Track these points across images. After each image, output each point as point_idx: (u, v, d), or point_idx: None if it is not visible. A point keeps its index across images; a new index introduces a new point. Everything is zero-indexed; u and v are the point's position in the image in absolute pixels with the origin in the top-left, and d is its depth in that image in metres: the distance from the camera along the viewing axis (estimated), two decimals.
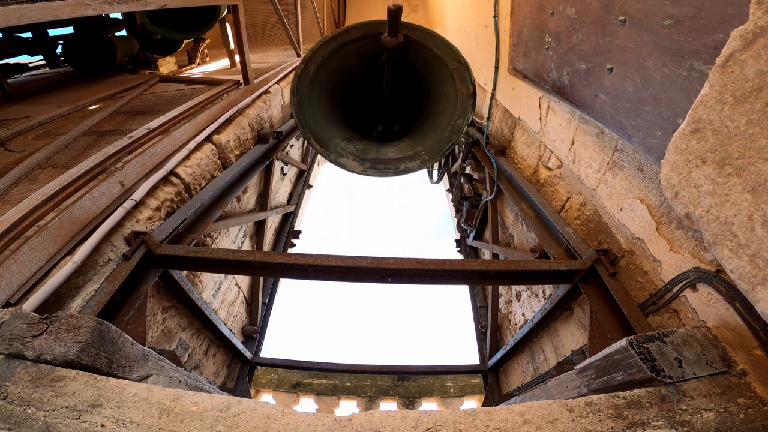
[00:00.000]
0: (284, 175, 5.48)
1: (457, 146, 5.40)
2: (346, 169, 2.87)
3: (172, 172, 2.60)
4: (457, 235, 6.30)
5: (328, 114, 3.00)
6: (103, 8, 2.22)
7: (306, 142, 2.86)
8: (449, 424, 1.14)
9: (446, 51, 2.65)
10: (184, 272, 2.61)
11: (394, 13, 2.32)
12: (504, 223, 4.00)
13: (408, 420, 1.15)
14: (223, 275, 3.53)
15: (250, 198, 4.09)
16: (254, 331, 4.28)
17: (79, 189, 2.07)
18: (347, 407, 4.73)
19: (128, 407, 1.15)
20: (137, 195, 2.26)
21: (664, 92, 1.47)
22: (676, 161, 1.24)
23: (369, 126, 3.47)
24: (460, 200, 4.95)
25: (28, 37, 5.51)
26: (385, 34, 2.55)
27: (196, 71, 5.98)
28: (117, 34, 6.29)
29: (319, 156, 7.79)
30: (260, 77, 4.45)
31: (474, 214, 4.70)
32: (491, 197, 3.87)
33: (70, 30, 6.19)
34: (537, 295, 3.20)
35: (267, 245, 4.71)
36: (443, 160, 5.77)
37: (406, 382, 4.81)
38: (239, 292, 4.04)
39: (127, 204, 2.17)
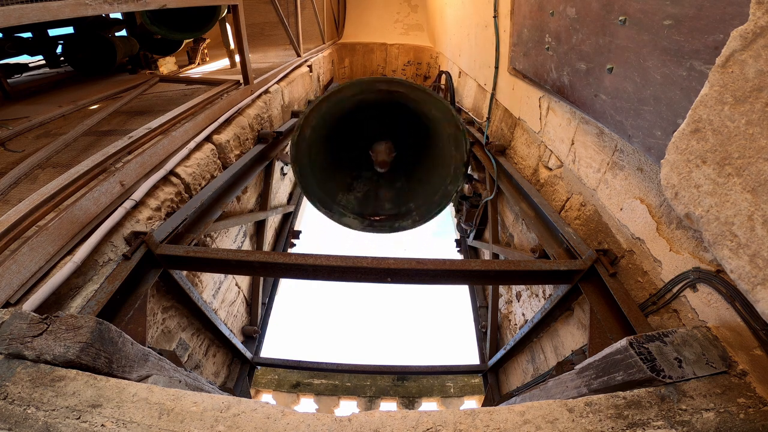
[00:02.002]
0: (284, 175, 5.48)
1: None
2: (350, 228, 3.16)
3: (172, 172, 2.60)
4: (457, 235, 6.30)
5: (328, 168, 3.17)
6: (103, 8, 2.22)
7: (312, 205, 3.05)
8: (449, 424, 1.14)
9: (445, 116, 2.68)
10: (184, 272, 2.61)
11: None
12: (504, 223, 4.00)
13: (408, 420, 1.15)
14: (223, 275, 3.53)
15: (250, 198, 4.09)
16: (254, 331, 4.28)
17: (79, 189, 2.06)
18: (347, 407, 4.74)
19: (128, 407, 1.15)
20: (137, 195, 2.25)
21: (664, 92, 1.47)
22: (676, 161, 1.24)
23: (368, 158, 3.57)
24: (460, 200, 4.96)
25: (28, 37, 5.51)
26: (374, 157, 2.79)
27: (196, 71, 5.98)
28: (117, 34, 6.29)
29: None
30: (260, 77, 4.45)
31: (474, 214, 4.70)
32: (491, 197, 3.87)
33: (70, 30, 6.19)
34: (537, 295, 3.20)
35: (267, 245, 4.71)
36: None
37: (406, 382, 4.81)
38: (239, 292, 4.04)
39: (127, 204, 2.17)
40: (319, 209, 3.04)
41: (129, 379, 1.36)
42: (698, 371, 1.21)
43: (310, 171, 2.93)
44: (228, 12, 5.48)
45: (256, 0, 7.31)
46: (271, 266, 2.14)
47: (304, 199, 6.57)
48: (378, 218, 3.09)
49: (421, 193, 3.13)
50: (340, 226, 3.16)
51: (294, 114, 5.11)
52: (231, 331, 3.48)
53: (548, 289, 2.92)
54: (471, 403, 4.65)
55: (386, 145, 3.00)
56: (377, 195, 3.28)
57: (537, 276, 2.20)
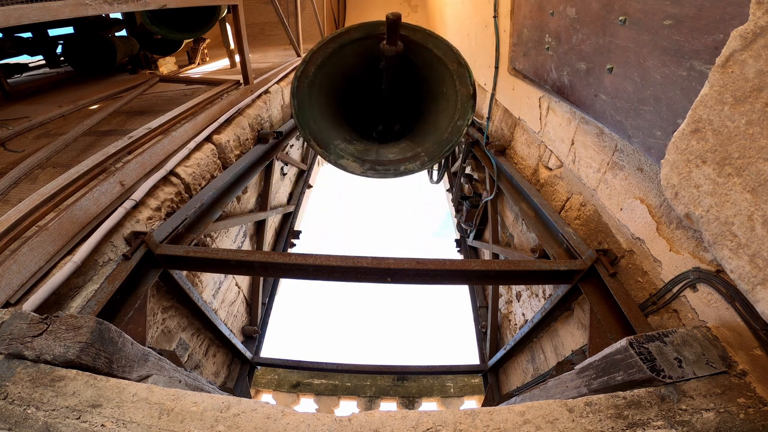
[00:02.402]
0: (284, 175, 5.49)
1: (457, 146, 5.40)
2: (346, 171, 2.86)
3: (172, 172, 2.60)
4: (457, 235, 6.31)
5: (328, 115, 3.02)
6: (103, 8, 2.22)
7: (306, 143, 2.84)
8: (449, 424, 1.14)
9: (446, 52, 2.64)
10: (184, 272, 2.61)
11: (393, 22, 2.31)
12: (504, 223, 4.00)
13: (408, 420, 1.15)
14: (223, 275, 3.53)
15: (250, 198, 4.09)
16: (254, 331, 4.28)
17: (79, 189, 2.06)
18: (347, 407, 4.74)
19: (128, 407, 1.15)
20: (137, 195, 2.26)
21: (664, 92, 1.47)
22: (676, 161, 1.24)
23: (369, 126, 3.48)
24: (460, 200, 4.96)
25: (28, 37, 5.51)
26: (384, 43, 2.54)
27: (196, 71, 5.98)
28: (117, 34, 6.29)
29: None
30: (260, 77, 4.46)
31: (474, 214, 4.70)
32: (491, 197, 3.87)
33: (70, 30, 6.19)
34: (537, 295, 3.20)
35: (267, 245, 4.71)
36: (443, 160, 5.77)
37: (406, 382, 4.81)
38: (239, 292, 4.04)
39: (127, 204, 2.17)
40: (313, 147, 2.83)
41: (129, 379, 1.36)
42: (698, 371, 1.21)
43: (309, 109, 2.79)
44: (228, 12, 5.48)
45: (256, 0, 7.31)
46: (271, 266, 2.14)
47: (304, 199, 6.58)
48: (381, 162, 2.87)
49: (429, 136, 2.97)
50: (337, 168, 2.91)
51: None
52: (231, 331, 3.48)
53: (548, 289, 2.92)
54: (471, 403, 4.65)
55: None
56: (379, 151, 3.08)
57: (537, 276, 2.20)
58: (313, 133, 2.82)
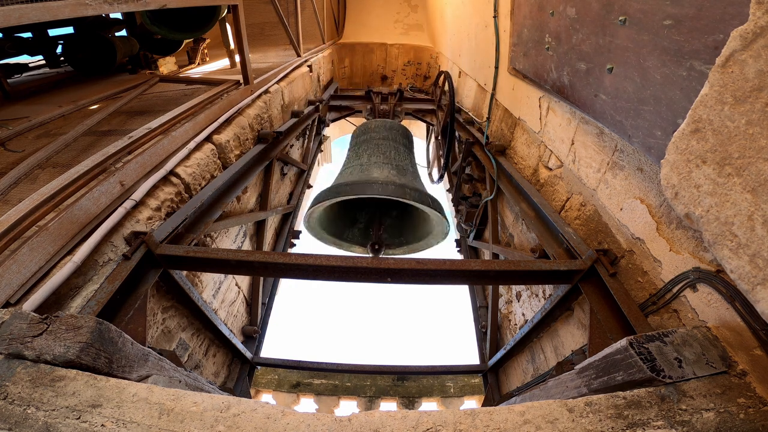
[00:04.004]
0: (284, 175, 5.48)
1: (457, 146, 5.42)
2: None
3: (172, 172, 2.60)
4: (457, 235, 6.30)
5: (336, 225, 3.92)
6: (103, 8, 2.22)
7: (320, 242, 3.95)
8: (449, 424, 1.14)
9: (432, 215, 3.25)
10: (184, 272, 2.61)
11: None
12: (504, 223, 4.00)
13: (408, 420, 1.15)
14: (223, 275, 3.52)
15: (250, 198, 4.09)
16: (254, 331, 4.28)
17: (79, 189, 2.06)
18: (347, 407, 4.74)
19: (128, 407, 1.15)
20: (137, 195, 2.25)
21: (664, 92, 1.47)
22: (676, 161, 1.24)
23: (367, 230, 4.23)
24: (460, 200, 4.95)
25: (28, 37, 5.50)
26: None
27: (196, 71, 5.98)
28: (117, 34, 6.29)
29: (319, 156, 7.90)
30: (260, 77, 4.45)
31: (474, 214, 4.70)
32: (491, 197, 3.87)
33: (70, 30, 6.19)
34: (537, 295, 3.20)
35: (267, 245, 4.70)
36: (443, 161, 5.77)
37: (406, 382, 4.81)
38: (239, 292, 4.03)
39: (127, 204, 2.17)
40: (331, 244, 3.82)
41: (129, 379, 1.36)
42: (698, 371, 1.21)
43: (323, 232, 3.70)
44: (228, 12, 5.48)
45: (256, 0, 7.30)
46: (271, 266, 2.14)
47: (304, 199, 6.59)
48: (377, 246, 3.61)
49: (411, 237, 3.85)
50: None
51: (294, 114, 5.11)
52: (231, 331, 3.48)
53: (548, 289, 2.92)
54: (471, 403, 4.65)
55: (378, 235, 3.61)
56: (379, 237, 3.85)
57: (537, 276, 2.20)
58: (328, 238, 3.74)
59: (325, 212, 3.65)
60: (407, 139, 4.35)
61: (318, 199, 3.26)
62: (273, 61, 6.05)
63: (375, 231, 3.68)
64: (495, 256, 3.98)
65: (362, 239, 3.89)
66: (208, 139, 3.10)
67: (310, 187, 6.95)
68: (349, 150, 4.34)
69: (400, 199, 3.06)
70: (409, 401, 4.67)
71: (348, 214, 4.04)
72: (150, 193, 2.39)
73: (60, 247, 1.78)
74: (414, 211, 3.87)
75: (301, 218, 6.45)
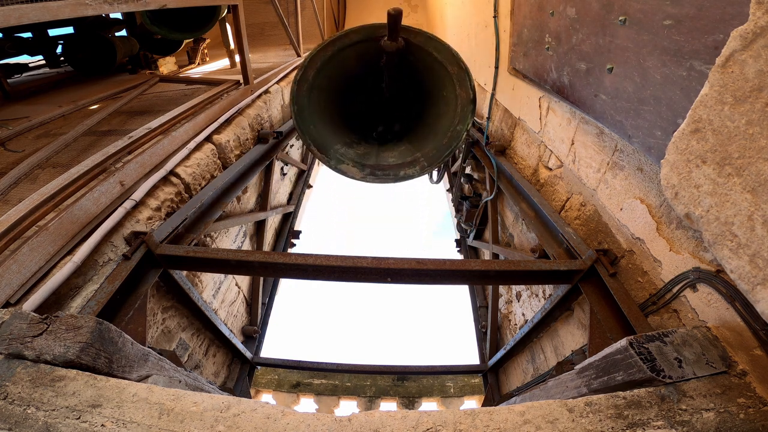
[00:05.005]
0: (284, 175, 5.48)
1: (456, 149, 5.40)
2: (346, 176, 2.87)
3: (172, 172, 2.60)
4: (457, 235, 6.30)
5: (328, 119, 3.01)
6: (103, 8, 2.22)
7: (306, 147, 2.86)
8: (449, 424, 1.14)
9: (447, 56, 2.63)
10: (184, 272, 2.61)
11: (394, 17, 2.31)
12: (504, 223, 4.00)
13: (408, 420, 1.15)
14: (223, 275, 3.53)
15: (250, 198, 4.09)
16: (254, 331, 4.28)
17: (79, 189, 2.06)
18: (347, 407, 4.74)
19: (128, 407, 1.15)
20: (137, 195, 2.25)
21: (664, 92, 1.47)
22: (676, 161, 1.24)
23: (369, 127, 3.45)
24: (460, 200, 4.96)
25: (28, 37, 5.50)
26: (385, 38, 2.52)
27: (196, 71, 5.98)
28: (117, 34, 6.29)
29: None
30: (260, 77, 4.46)
31: (474, 214, 4.70)
32: (491, 197, 3.87)
33: (70, 30, 6.19)
34: (537, 295, 3.20)
35: (267, 245, 4.71)
36: None
37: (406, 382, 4.81)
38: (239, 292, 4.04)
39: (127, 204, 2.17)
40: (313, 152, 2.83)
41: (129, 379, 1.36)
42: (698, 371, 1.21)
43: (309, 114, 2.78)
44: (228, 12, 5.48)
45: (256, 0, 7.31)
46: (271, 266, 2.14)
47: (304, 199, 6.57)
48: (380, 167, 2.87)
49: (429, 140, 2.96)
50: (337, 174, 2.90)
51: None
52: (231, 331, 3.48)
53: (548, 289, 2.92)
54: (471, 403, 4.65)
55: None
56: (379, 154, 3.07)
57: (537, 276, 2.20)
58: (313, 137, 2.82)
59: (318, 99, 2.80)
60: None
61: (314, 51, 2.50)
62: (273, 61, 6.05)
63: (377, 157, 2.85)
64: (495, 256, 3.98)
65: (359, 158, 2.95)
66: (208, 139, 3.10)
67: (310, 187, 6.95)
68: None
69: (409, 38, 2.47)
70: (409, 401, 4.67)
71: (343, 132, 3.16)
72: (150, 193, 2.39)
73: (60, 247, 1.78)
74: (428, 107, 3.05)
75: (301, 218, 6.45)
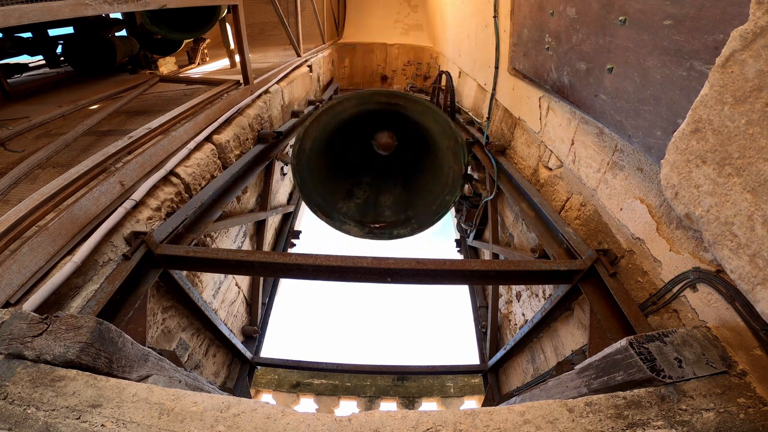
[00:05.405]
0: (284, 175, 5.48)
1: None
2: (350, 235, 3.18)
3: (172, 172, 2.60)
4: (457, 235, 6.30)
5: (329, 179, 3.24)
6: (103, 8, 2.22)
7: (313, 212, 3.23)
8: (449, 424, 1.14)
9: (443, 127, 2.69)
10: (184, 272, 2.61)
11: (384, 147, 2.35)
12: (504, 223, 4.00)
13: (408, 420, 1.15)
14: (223, 275, 3.52)
15: (250, 198, 4.09)
16: (254, 331, 4.28)
17: (79, 189, 2.06)
18: (347, 407, 4.74)
19: (128, 407, 1.15)
20: (137, 195, 2.25)
21: (664, 92, 1.47)
22: (676, 161, 1.24)
23: (367, 169, 3.63)
24: (460, 200, 4.95)
25: (28, 37, 5.50)
26: (377, 139, 2.75)
27: (196, 71, 5.98)
28: (117, 34, 6.28)
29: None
30: (260, 77, 4.45)
31: (474, 214, 4.70)
32: (491, 197, 3.87)
33: (70, 30, 6.19)
34: (537, 295, 3.20)
35: (267, 245, 4.71)
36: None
37: (406, 382, 4.81)
38: (239, 292, 4.03)
39: (127, 204, 2.17)
40: (319, 217, 3.08)
41: (129, 379, 1.36)
42: (698, 371, 1.21)
43: (311, 181, 3.01)
44: (228, 12, 5.48)
45: (256, 0, 7.30)
46: (271, 266, 2.14)
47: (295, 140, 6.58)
48: (377, 225, 3.12)
49: (420, 202, 3.19)
50: (341, 233, 3.22)
51: (294, 114, 5.11)
52: (231, 331, 3.48)
53: (548, 289, 2.92)
54: (471, 403, 4.65)
55: (388, 133, 2.98)
56: (377, 201, 3.30)
57: (537, 276, 2.20)
58: (318, 203, 3.09)
59: (315, 171, 3.01)
60: None
61: (309, 124, 2.65)
62: (273, 61, 6.05)
63: (375, 205, 3.17)
64: (495, 256, 3.98)
65: (359, 215, 3.27)
66: (208, 139, 3.10)
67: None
68: None
69: (405, 107, 2.59)
70: (409, 401, 4.67)
71: (342, 185, 3.42)
72: (150, 193, 2.39)
73: (60, 247, 1.78)
74: (422, 167, 3.28)
75: (301, 218, 6.45)
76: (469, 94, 5.34)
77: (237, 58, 4.91)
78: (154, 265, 2.14)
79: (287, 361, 4.49)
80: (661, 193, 1.69)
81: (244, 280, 4.15)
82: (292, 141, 5.33)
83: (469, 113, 5.08)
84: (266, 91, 4.34)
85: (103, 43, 5.44)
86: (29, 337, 1.27)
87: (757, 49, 0.96)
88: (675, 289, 1.61)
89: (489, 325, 4.30)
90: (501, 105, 3.88)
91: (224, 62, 6.39)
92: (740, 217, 1.03)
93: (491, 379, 4.16)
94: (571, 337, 2.54)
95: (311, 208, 3.05)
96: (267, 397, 4.82)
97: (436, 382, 4.82)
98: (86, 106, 3.62)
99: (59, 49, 5.96)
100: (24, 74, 5.56)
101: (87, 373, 1.23)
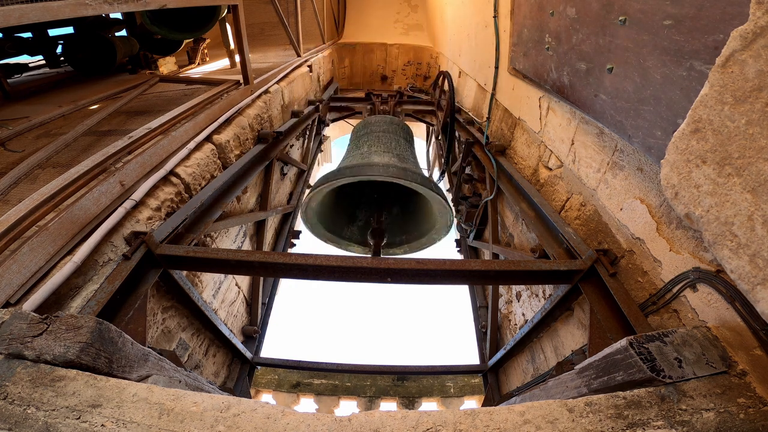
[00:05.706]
0: (284, 175, 5.48)
1: (457, 146, 5.43)
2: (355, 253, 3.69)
3: (172, 172, 2.60)
4: (457, 235, 6.30)
5: (333, 220, 3.77)
6: (103, 8, 2.22)
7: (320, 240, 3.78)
8: (449, 424, 1.14)
9: (434, 197, 3.05)
10: (184, 272, 2.61)
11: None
12: (504, 223, 4.00)
13: (408, 420, 1.15)
14: (223, 275, 3.52)
15: (250, 198, 4.09)
16: (254, 331, 4.28)
17: (79, 189, 2.06)
18: (347, 407, 4.74)
19: (128, 407, 1.15)
20: (137, 195, 2.25)
21: (664, 92, 1.47)
22: (676, 161, 1.24)
23: (368, 200, 4.09)
24: (460, 200, 4.95)
25: (28, 37, 5.51)
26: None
27: (196, 71, 5.98)
28: (117, 34, 6.29)
29: (319, 156, 7.93)
30: (260, 77, 4.45)
31: (474, 214, 4.70)
32: (491, 197, 3.87)
33: (70, 30, 6.19)
34: (537, 295, 3.20)
35: (267, 245, 4.70)
36: (443, 160, 5.78)
37: (406, 382, 4.82)
38: (239, 292, 4.03)
39: (127, 204, 2.17)
40: (328, 243, 3.69)
41: (129, 379, 1.36)
42: (698, 371, 1.21)
43: (318, 224, 3.56)
44: (228, 12, 5.48)
45: (256, 0, 7.31)
46: (271, 266, 2.14)
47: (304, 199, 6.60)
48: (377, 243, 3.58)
49: (413, 231, 3.72)
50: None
51: (294, 114, 5.11)
52: (231, 331, 3.48)
53: (548, 289, 2.92)
54: (471, 403, 4.66)
55: (378, 219, 3.46)
56: (377, 222, 3.81)
57: (537, 276, 2.20)
58: (327, 236, 3.62)
59: (323, 205, 3.52)
60: (408, 134, 4.24)
61: (317, 185, 3.08)
62: (273, 61, 6.06)
63: (375, 229, 3.55)
64: (495, 256, 3.98)
65: (361, 237, 3.77)
66: (208, 139, 3.10)
67: (309, 187, 6.94)
68: (349, 144, 4.24)
69: (402, 182, 2.92)
70: (409, 401, 4.67)
71: (346, 210, 3.91)
72: (150, 193, 2.39)
73: (60, 247, 1.78)
74: (415, 206, 3.75)
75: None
76: (469, 94, 5.34)
77: (237, 58, 4.91)
78: (154, 265, 2.14)
79: (287, 361, 4.49)
80: (661, 193, 1.69)
81: (244, 280, 4.14)
82: (292, 141, 5.34)
83: (469, 113, 5.08)
84: (266, 91, 4.34)
85: (103, 43, 5.44)
86: (29, 337, 1.27)
87: (757, 49, 0.96)
88: (675, 289, 1.61)
89: (489, 325, 4.30)
90: (501, 105, 3.88)
91: (224, 62, 6.40)
92: (740, 217, 1.03)
93: (491, 379, 4.16)
94: (571, 337, 2.54)
95: (323, 240, 3.63)
96: (267, 397, 4.82)
97: (436, 382, 4.82)
98: (86, 106, 3.62)
99: (59, 49, 5.96)
100: (24, 74, 5.56)
101: (87, 373, 1.23)
